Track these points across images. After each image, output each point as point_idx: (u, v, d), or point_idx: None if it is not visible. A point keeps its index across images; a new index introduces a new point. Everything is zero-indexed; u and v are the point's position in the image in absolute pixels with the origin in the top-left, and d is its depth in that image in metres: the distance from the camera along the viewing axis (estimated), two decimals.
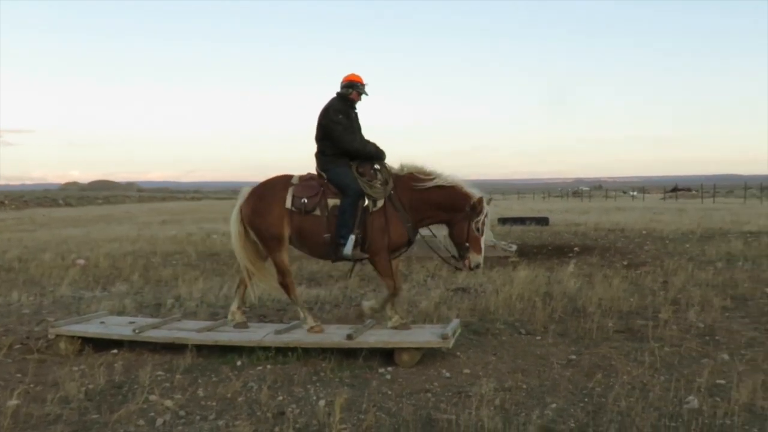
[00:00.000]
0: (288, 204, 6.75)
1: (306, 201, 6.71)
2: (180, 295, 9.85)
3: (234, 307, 7.09)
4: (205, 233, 21.44)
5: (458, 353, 6.50)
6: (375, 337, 6.40)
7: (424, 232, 7.10)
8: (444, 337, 6.22)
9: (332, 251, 6.77)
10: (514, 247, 14.85)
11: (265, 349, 6.38)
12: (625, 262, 13.13)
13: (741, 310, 8.42)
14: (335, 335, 6.50)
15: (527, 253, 14.86)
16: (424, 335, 6.43)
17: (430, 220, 6.93)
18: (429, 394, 5.35)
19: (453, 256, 6.97)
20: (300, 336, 6.52)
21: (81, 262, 14.05)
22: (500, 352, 6.58)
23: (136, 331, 6.70)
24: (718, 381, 5.58)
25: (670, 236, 18.18)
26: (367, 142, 6.98)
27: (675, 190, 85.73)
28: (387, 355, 6.26)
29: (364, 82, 7.10)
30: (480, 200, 6.64)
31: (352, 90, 7.05)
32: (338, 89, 7.10)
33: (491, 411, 4.80)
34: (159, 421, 4.83)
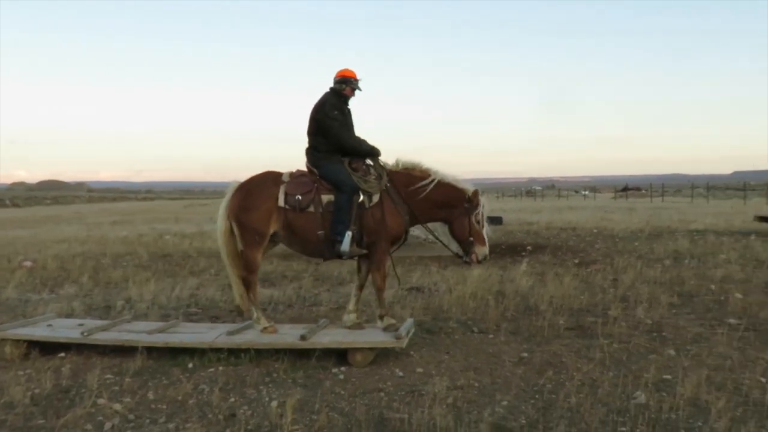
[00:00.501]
0: (281, 201, 6.64)
1: (300, 198, 6.61)
2: (130, 297, 9.68)
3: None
4: (157, 234, 21.15)
5: (412, 352, 6.52)
6: (329, 338, 6.38)
7: (415, 232, 7.10)
8: (398, 337, 6.24)
9: (326, 248, 6.67)
10: None
11: (217, 350, 6.31)
12: (577, 261, 13.33)
13: (687, 307, 8.63)
14: (289, 336, 6.46)
15: None
16: (378, 335, 6.44)
17: (426, 217, 6.94)
18: (382, 394, 5.36)
19: (458, 254, 7.01)
20: (253, 337, 6.47)
21: (28, 263, 13.72)
22: (453, 350, 6.62)
23: (85, 333, 6.56)
24: (664, 376, 5.70)
25: (620, 235, 18.54)
26: (362, 140, 6.92)
27: (625, 189, 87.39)
28: (340, 355, 6.25)
29: (358, 77, 7.01)
30: (476, 193, 6.71)
31: (345, 86, 6.94)
32: (331, 84, 7.00)
33: (444, 409, 4.84)
34: (107, 426, 4.74)
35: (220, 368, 6.03)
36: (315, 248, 6.77)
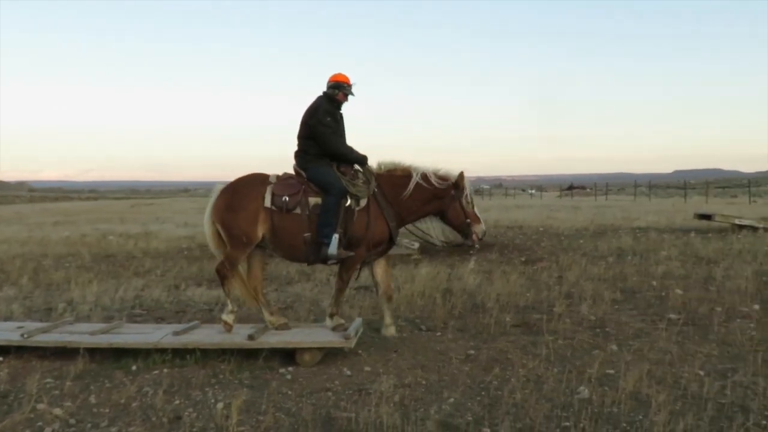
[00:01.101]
0: (267, 202, 6.56)
1: (287, 199, 6.55)
2: (72, 298, 9.45)
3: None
4: (100, 234, 20.70)
5: (360, 351, 6.52)
6: (277, 338, 6.33)
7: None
8: (347, 337, 6.23)
9: (312, 251, 6.62)
10: (417, 245, 15.02)
11: (162, 352, 6.21)
12: (523, 258, 13.51)
13: (630, 303, 8.82)
14: (236, 336, 6.39)
15: (429, 250, 15.06)
16: (327, 335, 6.42)
17: (416, 215, 6.99)
18: (329, 393, 5.34)
19: (457, 244, 7.20)
20: (199, 337, 6.38)
21: None
22: (401, 348, 6.64)
23: (25, 335, 6.37)
24: (607, 371, 5.82)
25: (566, 233, 18.85)
26: (352, 148, 6.89)
27: (571, 188, 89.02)
28: (288, 355, 6.22)
29: (351, 82, 6.97)
30: (461, 176, 6.81)
31: (338, 91, 6.90)
32: (324, 89, 6.96)
33: (390, 407, 4.85)
34: (47, 431, 4.62)
35: (165, 370, 5.93)
36: (300, 252, 6.71)
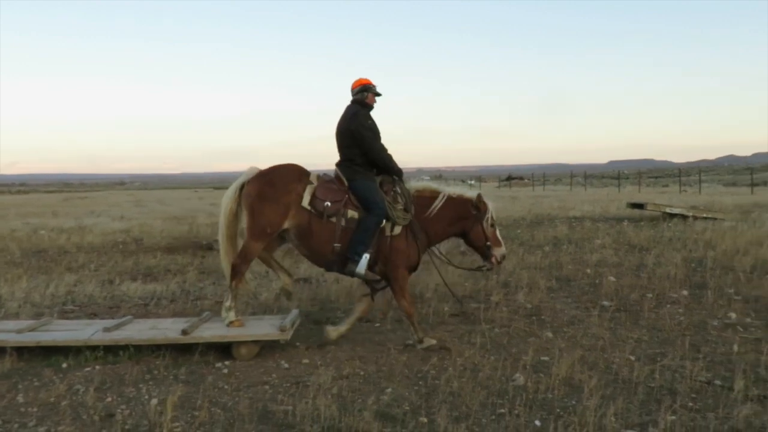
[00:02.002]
0: (305, 202, 6.37)
1: (329, 205, 6.37)
2: (0, 295, 9.14)
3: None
4: (31, 229, 20.03)
5: (298, 343, 6.49)
6: (211, 332, 6.24)
7: None
8: (282, 329, 6.18)
9: (337, 263, 6.47)
10: None
11: (94, 348, 6.05)
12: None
13: (564, 291, 9.00)
14: (169, 331, 6.26)
15: None
16: (262, 328, 6.35)
17: (441, 237, 6.85)
18: (267, 386, 5.29)
19: (480, 267, 6.95)
20: (130, 333, 6.23)
21: None
22: (339, 340, 6.62)
23: None
24: (542, 358, 5.93)
25: (504, 222, 19.08)
26: (391, 157, 6.74)
27: (509, 178, 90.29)
28: (225, 350, 6.14)
29: (374, 83, 6.88)
30: (479, 198, 6.74)
31: (367, 93, 6.80)
32: (351, 97, 6.84)
33: (328, 399, 4.83)
34: None
35: (97, 367, 5.78)
36: (324, 259, 6.56)
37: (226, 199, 6.63)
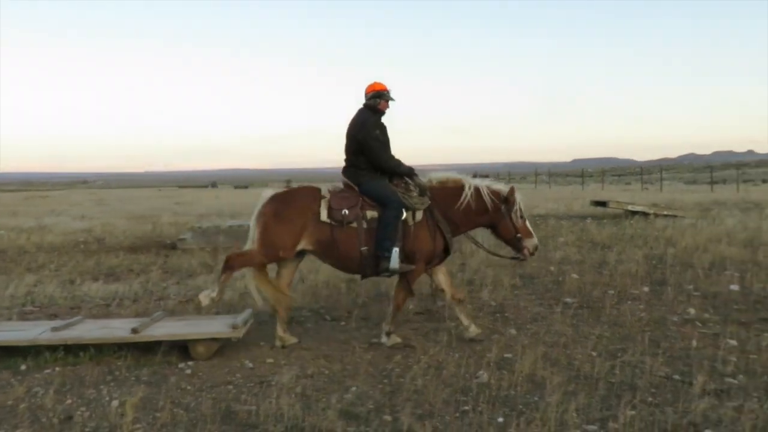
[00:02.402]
0: (324, 216, 6.40)
1: (347, 212, 6.40)
2: None
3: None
4: None
5: (262, 343, 6.46)
6: (162, 330, 6.16)
7: None
8: (234, 327, 6.12)
9: (369, 265, 6.46)
10: None
11: (54, 349, 5.95)
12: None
13: (528, 288, 9.08)
14: (120, 330, 6.16)
15: None
16: (215, 326, 6.29)
17: (468, 227, 6.89)
18: (230, 386, 5.26)
19: (514, 257, 7.01)
20: (79, 333, 6.11)
21: None
22: (305, 339, 6.61)
23: None
24: (505, 355, 5.98)
25: None
26: (399, 161, 6.77)
27: (474, 177, 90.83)
28: (187, 350, 6.08)
29: (388, 88, 6.88)
30: (511, 191, 6.76)
31: (380, 100, 6.80)
32: (364, 101, 6.84)
33: (292, 398, 4.82)
34: None
35: (57, 369, 5.69)
36: (355, 265, 6.55)
37: (252, 229, 6.62)
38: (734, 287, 8.77)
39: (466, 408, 4.71)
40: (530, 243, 6.81)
